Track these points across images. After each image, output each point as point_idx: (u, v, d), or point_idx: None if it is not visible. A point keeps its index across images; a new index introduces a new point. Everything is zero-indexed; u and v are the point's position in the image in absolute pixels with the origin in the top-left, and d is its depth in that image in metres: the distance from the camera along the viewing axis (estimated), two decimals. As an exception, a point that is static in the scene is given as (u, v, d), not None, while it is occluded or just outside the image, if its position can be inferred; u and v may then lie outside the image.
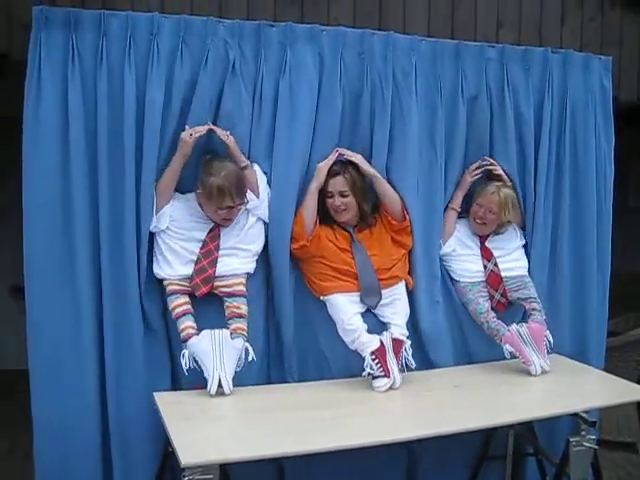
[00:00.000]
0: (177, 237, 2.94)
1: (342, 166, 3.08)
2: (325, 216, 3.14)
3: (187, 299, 2.92)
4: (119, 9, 2.94)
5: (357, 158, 3.09)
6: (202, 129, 2.89)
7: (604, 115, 3.51)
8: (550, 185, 3.45)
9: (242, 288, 2.97)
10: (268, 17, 3.30)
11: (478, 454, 3.36)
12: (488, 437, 3.29)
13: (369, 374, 2.98)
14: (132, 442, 2.99)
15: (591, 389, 3.12)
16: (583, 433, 2.82)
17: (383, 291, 3.12)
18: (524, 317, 3.39)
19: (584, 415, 2.81)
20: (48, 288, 2.87)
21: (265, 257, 3.10)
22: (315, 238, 3.06)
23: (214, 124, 2.95)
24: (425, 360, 3.29)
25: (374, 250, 3.15)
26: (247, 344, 2.88)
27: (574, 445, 2.81)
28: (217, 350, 2.79)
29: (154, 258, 2.96)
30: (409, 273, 3.25)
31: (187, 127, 2.88)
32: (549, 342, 3.24)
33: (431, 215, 3.28)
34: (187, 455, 2.26)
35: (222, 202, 2.85)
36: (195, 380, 2.87)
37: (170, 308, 2.91)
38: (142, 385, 2.95)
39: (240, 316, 2.93)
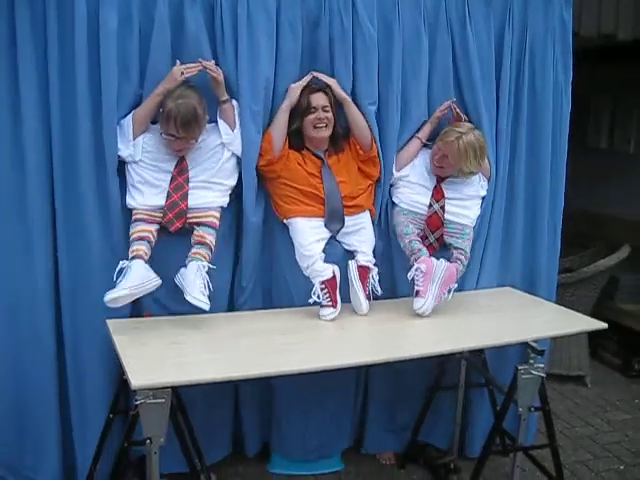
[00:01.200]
0: (149, 168, 2.89)
1: (320, 87, 3.06)
2: (294, 140, 3.11)
3: (151, 228, 2.87)
4: None
5: (331, 81, 3.07)
6: (194, 68, 2.82)
7: (563, 49, 3.48)
8: (509, 118, 3.44)
9: (213, 220, 2.94)
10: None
11: (431, 384, 3.43)
12: (441, 367, 3.36)
13: (315, 302, 3.01)
14: (87, 372, 3.01)
15: (543, 320, 3.17)
16: (531, 361, 2.88)
17: (347, 219, 3.13)
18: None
19: (533, 344, 2.87)
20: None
21: (238, 192, 3.08)
22: (283, 158, 3.05)
23: (178, 49, 2.88)
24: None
25: (342, 177, 3.14)
26: (203, 265, 2.82)
27: (522, 373, 2.87)
28: (146, 278, 2.75)
29: (127, 190, 2.91)
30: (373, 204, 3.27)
31: (178, 61, 2.82)
32: (448, 293, 3.12)
33: (388, 143, 3.25)
34: (138, 378, 2.26)
35: (167, 128, 2.80)
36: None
37: (130, 233, 2.85)
38: (100, 313, 2.89)
39: (203, 243, 2.89)
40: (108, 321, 2.77)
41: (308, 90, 3.05)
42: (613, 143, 5.92)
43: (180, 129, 2.78)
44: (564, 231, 3.70)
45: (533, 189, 3.57)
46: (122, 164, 2.91)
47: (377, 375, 3.46)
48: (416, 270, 3.09)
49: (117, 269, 2.74)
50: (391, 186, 3.33)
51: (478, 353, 3.29)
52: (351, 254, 3.19)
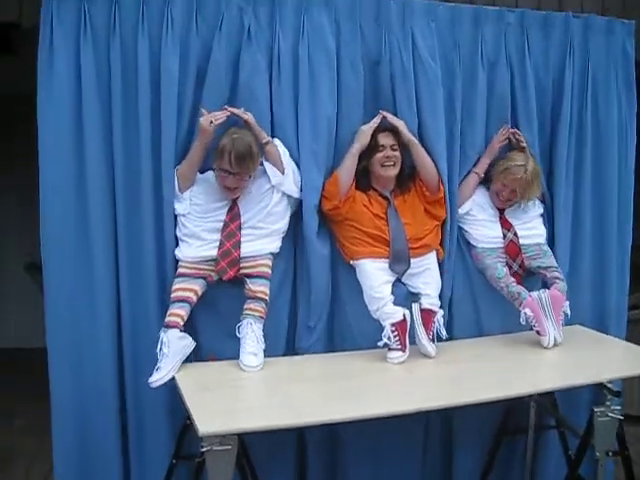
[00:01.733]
0: (198, 220, 2.89)
1: (389, 125, 3.05)
2: (360, 181, 3.09)
3: (193, 287, 2.83)
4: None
5: (399, 123, 3.06)
6: (221, 115, 2.82)
7: (626, 81, 3.43)
8: (571, 154, 3.38)
9: (265, 270, 2.90)
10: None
11: (499, 428, 3.32)
12: (509, 410, 3.25)
13: (385, 345, 2.95)
14: (149, 417, 2.99)
15: (615, 359, 3.06)
16: (608, 403, 2.76)
17: (413, 260, 3.07)
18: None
19: (609, 385, 2.76)
20: (65, 266, 2.86)
21: (293, 234, 3.06)
22: (349, 200, 3.02)
23: (233, 93, 2.90)
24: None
25: (407, 219, 3.10)
26: (256, 325, 2.81)
27: (599, 415, 2.75)
28: (184, 354, 2.76)
29: (178, 242, 2.91)
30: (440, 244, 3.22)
31: (204, 111, 2.82)
32: (566, 314, 3.16)
33: (452, 181, 3.21)
34: (204, 424, 2.23)
35: (220, 163, 2.79)
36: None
37: (173, 288, 2.83)
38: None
39: (256, 298, 2.85)
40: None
41: (376, 130, 3.03)
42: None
43: (234, 164, 2.76)
44: (630, 266, 3.60)
45: (600, 224, 3.49)
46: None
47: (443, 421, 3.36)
48: (525, 315, 3.11)
49: (159, 343, 2.74)
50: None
51: (548, 394, 3.17)
52: (416, 296, 3.12)
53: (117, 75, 2.80)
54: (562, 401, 3.29)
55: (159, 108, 2.83)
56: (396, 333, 2.93)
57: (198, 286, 2.85)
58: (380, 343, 2.94)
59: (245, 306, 2.85)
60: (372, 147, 3.03)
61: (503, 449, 3.36)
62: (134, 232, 2.90)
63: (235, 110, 2.86)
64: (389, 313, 2.97)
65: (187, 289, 2.82)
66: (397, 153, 3.05)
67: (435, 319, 3.04)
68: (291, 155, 2.97)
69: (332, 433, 3.18)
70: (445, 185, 3.15)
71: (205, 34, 2.86)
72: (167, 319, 2.78)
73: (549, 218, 3.40)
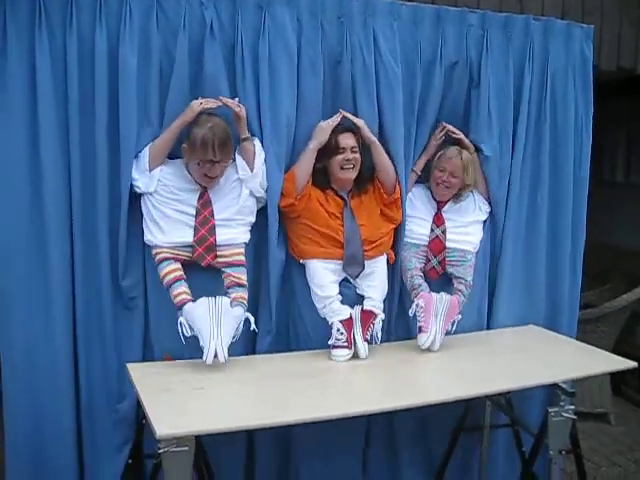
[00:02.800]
0: (168, 202, 2.85)
1: (350, 125, 3.04)
2: (318, 177, 3.07)
3: (179, 266, 2.84)
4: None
5: (360, 122, 3.05)
6: (212, 102, 2.81)
7: (584, 83, 3.47)
8: (528, 153, 3.42)
9: (241, 258, 2.92)
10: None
11: (455, 425, 3.34)
12: (466, 408, 3.28)
13: (332, 344, 2.95)
14: (103, 420, 2.96)
15: (569, 360, 3.09)
16: (562, 404, 2.81)
17: (366, 262, 3.07)
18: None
19: (563, 385, 2.80)
20: (18, 265, 2.79)
21: (256, 231, 3.04)
22: (304, 197, 3.01)
23: (197, 88, 2.86)
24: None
25: (362, 220, 3.09)
26: (248, 314, 2.83)
27: (553, 415, 2.81)
28: (214, 318, 2.71)
29: (144, 225, 2.87)
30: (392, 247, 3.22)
31: (200, 98, 2.80)
32: (452, 325, 3.12)
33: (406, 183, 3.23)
34: (162, 426, 2.20)
35: (204, 154, 2.76)
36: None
37: (161, 275, 2.82)
38: (112, 360, 2.93)
39: (240, 285, 2.87)
40: (129, 365, 2.72)
41: (338, 130, 3.02)
42: (630, 176, 5.88)
43: (218, 152, 2.76)
44: (583, 266, 3.65)
45: (554, 225, 3.53)
46: (137, 200, 2.88)
47: (399, 418, 3.36)
48: (416, 306, 3.09)
49: (179, 327, 2.73)
50: None
51: (504, 393, 3.20)
52: (361, 298, 3.12)
53: (74, 71, 2.73)
54: (516, 399, 3.32)
55: (117, 105, 2.78)
56: (342, 330, 2.94)
57: (181, 268, 2.85)
58: (330, 342, 2.95)
59: (233, 294, 2.84)
60: (332, 148, 3.01)
61: (460, 446, 3.38)
62: (89, 231, 2.86)
63: (229, 101, 2.84)
64: (336, 311, 2.98)
65: (176, 269, 2.82)
66: (357, 155, 3.04)
67: (374, 321, 3.03)
68: None
69: (284, 431, 3.15)
70: (402, 186, 3.16)
71: (166, 29, 2.82)
72: (176, 300, 2.76)
73: (501, 219, 3.42)
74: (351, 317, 2.99)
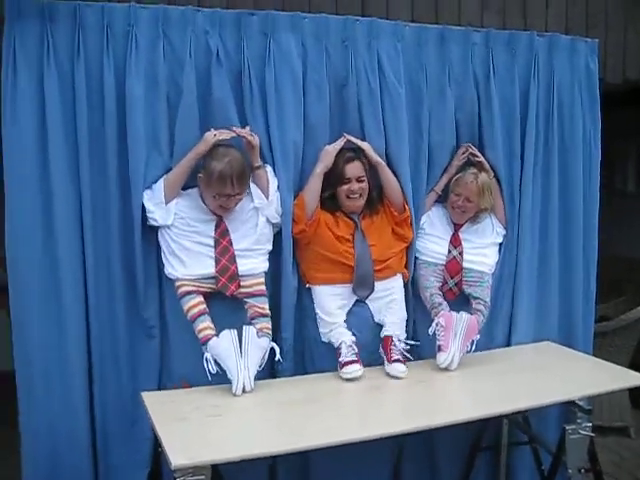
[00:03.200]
0: (186, 235, 2.86)
1: (355, 151, 3.05)
2: (328, 202, 3.09)
3: (202, 299, 2.85)
4: (95, 0, 2.85)
5: (365, 145, 3.06)
6: (227, 134, 2.82)
7: (590, 97, 3.48)
8: (538, 169, 3.41)
9: (262, 287, 2.93)
10: (248, 6, 3.22)
11: (472, 444, 3.33)
12: (482, 427, 3.26)
13: (343, 362, 2.94)
14: (118, 444, 2.96)
15: (585, 376, 3.07)
16: (579, 421, 2.80)
17: (378, 283, 3.07)
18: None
19: (580, 403, 2.79)
20: (32, 289, 2.82)
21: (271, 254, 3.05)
22: (314, 223, 3.02)
23: (206, 116, 2.89)
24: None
25: (373, 240, 3.10)
26: (273, 343, 2.84)
27: (570, 433, 2.79)
28: (238, 349, 2.73)
29: (164, 258, 2.88)
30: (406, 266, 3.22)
31: (212, 130, 2.82)
32: (471, 345, 3.11)
33: (418, 201, 3.24)
34: (177, 456, 2.20)
35: (222, 189, 2.77)
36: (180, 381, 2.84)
37: (185, 309, 2.83)
38: (128, 386, 2.93)
39: (263, 315, 2.89)
40: (143, 394, 2.72)
41: (343, 159, 3.03)
42: (641, 186, 5.86)
43: (237, 186, 2.78)
44: (597, 278, 3.63)
45: (567, 239, 3.52)
46: (154, 232, 2.89)
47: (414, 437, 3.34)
48: (436, 325, 3.08)
49: (205, 363, 2.74)
50: None
51: (521, 411, 3.18)
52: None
53: (82, 100, 2.78)
54: (534, 416, 3.30)
55: (126, 133, 2.81)
56: (353, 346, 2.96)
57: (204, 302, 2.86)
58: (340, 359, 2.94)
59: (258, 325, 2.85)
60: (338, 177, 3.03)
61: (477, 465, 3.36)
62: (102, 259, 2.88)
63: (242, 131, 2.86)
64: (342, 333, 3.00)
65: (199, 302, 2.84)
66: (363, 185, 3.05)
67: (394, 342, 3.03)
68: None
69: (302, 456, 3.13)
70: (410, 205, 3.16)
71: (172, 59, 2.85)
72: (200, 336, 2.78)
73: (515, 236, 3.41)
74: (355, 342, 2.99)
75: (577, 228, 3.52)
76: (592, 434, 2.82)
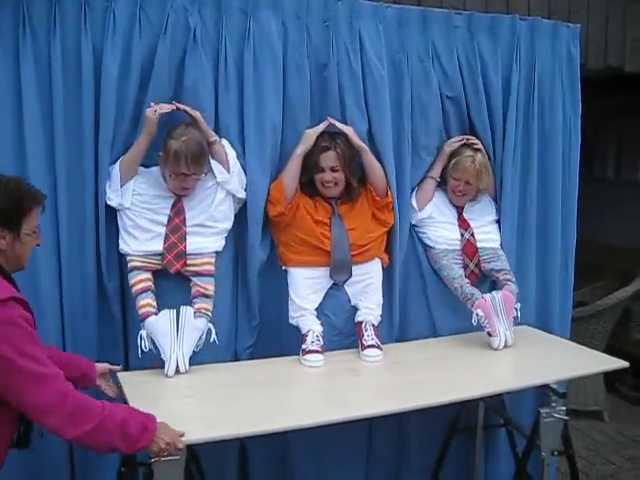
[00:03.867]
0: (142, 212, 2.86)
1: (331, 140, 3.01)
2: (307, 186, 3.08)
3: (149, 276, 2.85)
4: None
5: (348, 130, 3.03)
6: (166, 107, 2.79)
7: (571, 83, 3.48)
8: (518, 153, 3.41)
9: (210, 267, 2.91)
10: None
11: (448, 427, 3.34)
12: (458, 410, 3.27)
13: (306, 349, 2.95)
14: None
15: (561, 360, 3.08)
16: (553, 404, 2.81)
17: (355, 267, 3.06)
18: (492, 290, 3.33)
19: (554, 386, 2.80)
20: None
21: (235, 234, 3.03)
22: (294, 206, 3.01)
23: (178, 95, 2.86)
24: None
25: (352, 224, 3.09)
26: (210, 325, 2.83)
27: (545, 417, 2.80)
28: (174, 329, 2.73)
29: (119, 235, 2.87)
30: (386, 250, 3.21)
31: (152, 103, 2.78)
32: (517, 315, 3.21)
33: (401, 184, 3.22)
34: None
35: (177, 167, 2.76)
36: (150, 361, 2.81)
37: (130, 284, 2.83)
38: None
39: (206, 295, 2.87)
40: (119, 374, 2.70)
41: (318, 148, 3.00)
42: (620, 173, 5.89)
43: (192, 165, 2.76)
44: (576, 264, 3.65)
45: (545, 224, 3.54)
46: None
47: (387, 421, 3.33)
48: (477, 315, 3.13)
49: (139, 340, 2.75)
50: (414, 227, 3.31)
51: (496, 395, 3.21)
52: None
53: (58, 78, 2.73)
54: (509, 399, 3.32)
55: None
56: (320, 337, 2.96)
57: (152, 277, 2.86)
58: (304, 346, 2.94)
59: (197, 305, 2.84)
60: (313, 165, 3.02)
61: (453, 447, 3.38)
62: (75, 236, 2.85)
63: (183, 106, 2.83)
64: (311, 322, 3.00)
65: (145, 279, 2.83)
66: (337, 174, 3.03)
67: (368, 328, 3.03)
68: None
69: (278, 438, 3.13)
70: (393, 189, 3.15)
71: (149, 35, 2.80)
72: (140, 312, 2.77)
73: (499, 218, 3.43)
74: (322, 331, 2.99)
75: (556, 214, 3.53)
76: (566, 417, 2.83)
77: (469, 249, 3.31)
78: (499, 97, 3.33)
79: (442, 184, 3.35)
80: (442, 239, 3.30)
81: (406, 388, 2.77)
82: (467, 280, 3.26)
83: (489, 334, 3.13)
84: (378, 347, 3.00)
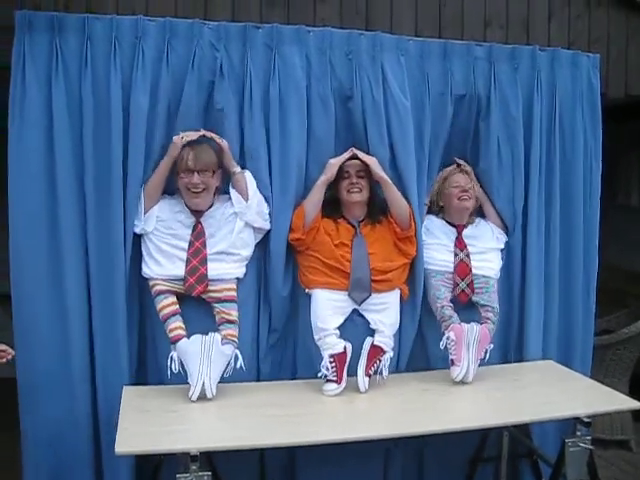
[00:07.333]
0: (164, 237, 2.92)
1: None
2: (329, 208, 3.12)
3: (175, 299, 2.91)
4: (104, 13, 2.91)
5: (371, 160, 3.07)
6: (194, 134, 2.87)
7: (592, 112, 3.49)
8: (542, 184, 3.42)
9: (232, 293, 2.96)
10: (254, 19, 3.27)
11: (473, 455, 3.33)
12: (483, 438, 3.27)
13: (325, 376, 2.96)
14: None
15: (585, 394, 3.07)
16: (579, 434, 2.79)
17: (374, 295, 3.08)
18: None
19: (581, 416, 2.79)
20: (35, 295, 2.86)
21: (256, 262, 3.08)
22: (312, 230, 3.05)
23: (205, 129, 2.93)
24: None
25: (373, 248, 3.11)
26: (237, 351, 2.87)
27: (570, 446, 2.78)
28: (205, 355, 2.78)
29: (142, 259, 2.94)
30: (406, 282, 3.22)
31: (180, 133, 2.87)
32: (485, 354, 3.14)
33: (420, 216, 3.25)
34: (122, 444, 2.32)
35: (183, 166, 2.84)
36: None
37: (158, 309, 2.88)
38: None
39: (230, 322, 2.92)
40: (125, 388, 2.81)
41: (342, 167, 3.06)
42: (644, 199, 5.86)
43: (198, 162, 2.83)
44: (599, 290, 3.63)
45: (567, 254, 3.52)
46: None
47: (411, 446, 3.35)
48: (447, 339, 3.09)
49: (169, 361, 2.81)
50: None
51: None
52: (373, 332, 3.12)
53: (89, 111, 2.83)
54: (534, 428, 3.31)
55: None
56: (334, 364, 2.95)
57: (177, 302, 2.92)
58: (320, 374, 2.96)
59: (223, 332, 2.88)
60: (338, 173, 3.06)
61: (477, 477, 3.36)
62: (104, 262, 2.91)
63: (210, 134, 2.90)
64: (329, 344, 2.99)
65: (172, 303, 2.90)
66: (363, 180, 3.08)
67: (382, 357, 3.04)
68: (263, 191, 3.01)
69: (292, 456, 3.18)
70: (418, 221, 3.17)
71: (177, 70, 2.89)
72: (170, 335, 2.84)
73: (520, 253, 3.43)
74: (345, 352, 2.99)
75: (577, 242, 3.52)
76: (591, 447, 2.82)
77: (462, 269, 3.27)
78: (520, 127, 3.34)
79: (437, 211, 3.37)
80: (431, 259, 3.27)
81: (424, 414, 2.81)
82: (451, 304, 3.23)
83: (452, 362, 3.08)
84: (369, 376, 3.00)
